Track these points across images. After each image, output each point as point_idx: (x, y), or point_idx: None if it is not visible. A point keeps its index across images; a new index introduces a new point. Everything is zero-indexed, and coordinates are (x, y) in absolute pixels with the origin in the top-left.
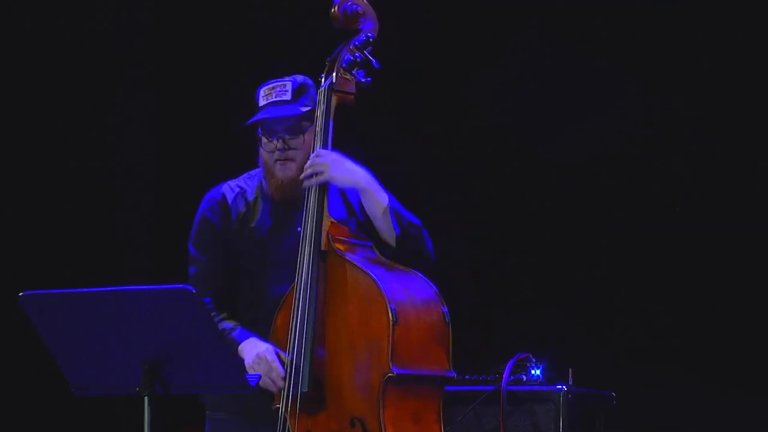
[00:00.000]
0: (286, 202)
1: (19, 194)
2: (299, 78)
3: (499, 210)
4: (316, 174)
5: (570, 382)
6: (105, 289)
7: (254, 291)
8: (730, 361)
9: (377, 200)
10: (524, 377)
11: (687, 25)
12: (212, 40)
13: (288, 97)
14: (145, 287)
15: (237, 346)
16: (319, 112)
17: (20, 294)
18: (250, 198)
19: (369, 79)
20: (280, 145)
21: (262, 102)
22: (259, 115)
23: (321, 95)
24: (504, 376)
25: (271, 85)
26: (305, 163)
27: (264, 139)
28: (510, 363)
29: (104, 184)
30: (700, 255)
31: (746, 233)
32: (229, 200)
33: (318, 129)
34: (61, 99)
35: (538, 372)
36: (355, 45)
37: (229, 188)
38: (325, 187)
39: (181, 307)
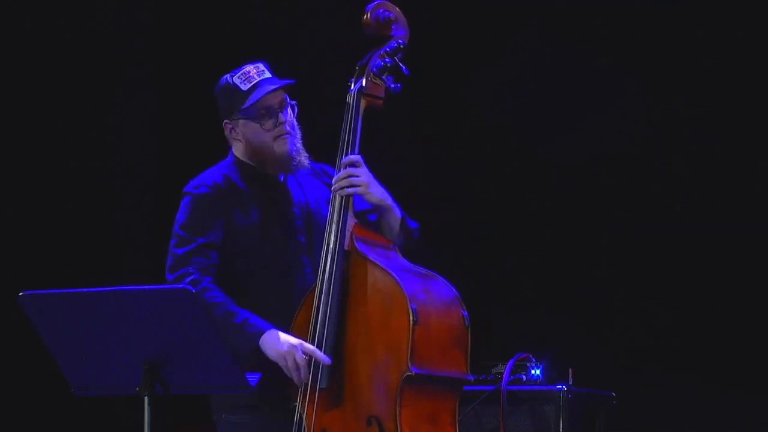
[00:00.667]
0: (277, 178)
1: (19, 194)
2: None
3: (499, 210)
4: (353, 186)
5: (570, 382)
6: (105, 289)
7: (257, 281)
8: (730, 361)
9: (395, 216)
10: (524, 377)
11: (687, 25)
12: (212, 40)
13: (269, 74)
14: (145, 287)
15: (260, 335)
16: (349, 116)
17: (20, 294)
18: (240, 185)
19: (398, 85)
20: (281, 120)
21: (244, 86)
22: (263, 89)
23: (350, 98)
24: (504, 376)
25: (243, 70)
26: (298, 133)
27: (259, 122)
28: (510, 363)
29: (104, 184)
30: (700, 255)
31: (746, 233)
32: (223, 185)
33: (347, 132)
34: (61, 99)
35: (538, 372)
36: (386, 51)
37: (215, 175)
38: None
39: (181, 307)
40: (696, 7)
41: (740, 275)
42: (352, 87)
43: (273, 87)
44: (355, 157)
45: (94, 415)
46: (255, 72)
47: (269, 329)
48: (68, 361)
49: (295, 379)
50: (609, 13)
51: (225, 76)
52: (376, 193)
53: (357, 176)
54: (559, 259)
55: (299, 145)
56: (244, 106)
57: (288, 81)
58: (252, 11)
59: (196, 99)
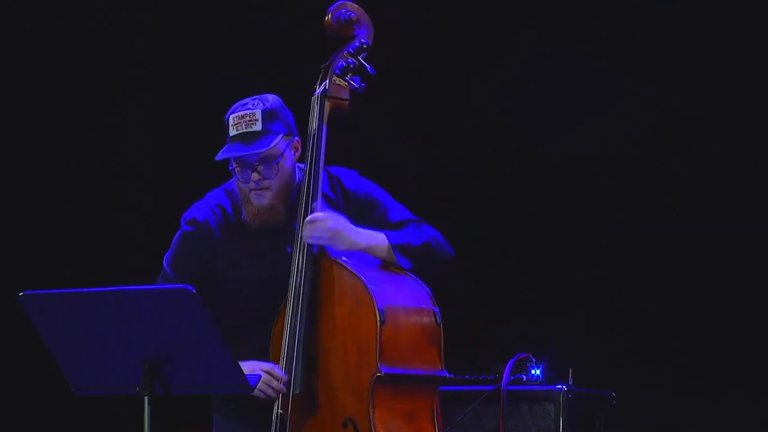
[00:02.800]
0: (265, 228)
1: (19, 194)
2: (268, 101)
3: (499, 210)
4: (321, 238)
5: (570, 382)
6: (105, 289)
7: (235, 316)
8: (731, 361)
9: (379, 248)
10: (524, 377)
11: (687, 25)
12: (212, 40)
13: (258, 127)
14: (145, 287)
15: None
16: (313, 119)
17: (20, 294)
18: (233, 220)
19: (363, 85)
20: (255, 177)
21: (232, 132)
22: (228, 153)
23: (314, 101)
24: (504, 375)
25: (239, 113)
26: (281, 189)
27: (238, 169)
28: (510, 363)
29: (104, 184)
30: (700, 255)
31: (746, 233)
32: (212, 224)
33: (312, 136)
34: (62, 99)
35: (538, 372)
36: (348, 51)
37: (209, 211)
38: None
39: (181, 307)
40: (696, 7)
41: (740, 275)
42: (317, 90)
43: (236, 154)
44: (317, 215)
45: (94, 415)
46: (242, 122)
47: None
48: (68, 361)
49: (270, 393)
50: (608, 13)
51: (233, 107)
52: (344, 240)
53: (316, 230)
54: (558, 258)
55: (279, 198)
56: (218, 158)
57: (259, 149)
58: (252, 11)
59: (196, 99)
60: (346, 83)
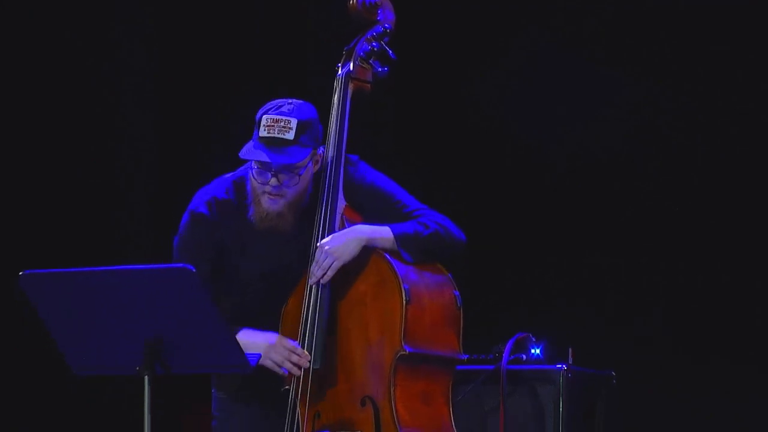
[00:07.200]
0: (269, 233)
1: (19, 195)
2: (304, 111)
3: (499, 195)
4: (326, 270)
5: (570, 362)
6: (106, 269)
7: (240, 305)
8: (730, 341)
9: (384, 240)
10: (524, 357)
11: (687, 25)
12: (213, 40)
13: (290, 136)
14: (145, 266)
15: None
16: (336, 100)
17: (20, 273)
18: (238, 217)
19: (386, 69)
20: (273, 182)
21: (262, 132)
22: (254, 155)
23: (338, 82)
24: (504, 355)
25: (274, 116)
26: (295, 198)
27: (256, 169)
28: (510, 342)
29: (104, 185)
30: (699, 253)
31: (746, 233)
32: (218, 217)
33: (334, 117)
34: (62, 100)
35: (537, 351)
36: (372, 35)
37: (219, 192)
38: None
39: (182, 287)
40: (696, 7)
41: (740, 274)
42: (340, 71)
43: (265, 161)
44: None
45: (95, 397)
46: (275, 126)
47: (239, 330)
48: (68, 341)
49: (295, 370)
50: (608, 14)
51: (267, 106)
52: (350, 253)
53: (325, 261)
54: (557, 238)
55: (290, 208)
56: (245, 156)
57: (288, 161)
58: (253, 15)
59: (196, 99)
60: (370, 66)
